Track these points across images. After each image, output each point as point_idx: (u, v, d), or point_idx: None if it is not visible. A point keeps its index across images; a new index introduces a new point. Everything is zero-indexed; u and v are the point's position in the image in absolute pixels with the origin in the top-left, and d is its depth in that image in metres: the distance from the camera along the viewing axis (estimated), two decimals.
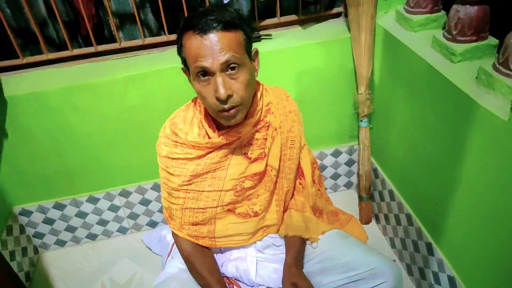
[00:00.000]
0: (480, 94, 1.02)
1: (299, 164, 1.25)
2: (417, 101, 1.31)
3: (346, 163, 1.89)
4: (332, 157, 1.85)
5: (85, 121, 1.56)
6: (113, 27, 1.57)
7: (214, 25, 0.93)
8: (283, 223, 1.26)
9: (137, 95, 1.54)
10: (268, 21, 1.65)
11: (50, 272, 1.77)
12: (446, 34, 1.19)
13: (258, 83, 1.15)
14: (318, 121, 1.73)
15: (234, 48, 0.95)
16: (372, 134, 1.68)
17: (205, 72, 0.96)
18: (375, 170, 1.73)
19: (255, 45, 1.52)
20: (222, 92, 0.94)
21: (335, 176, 1.93)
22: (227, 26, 0.94)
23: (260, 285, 1.24)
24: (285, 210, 1.28)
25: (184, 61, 1.02)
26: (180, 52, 1.02)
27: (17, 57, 1.55)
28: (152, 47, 1.61)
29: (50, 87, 1.47)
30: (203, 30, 0.93)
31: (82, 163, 1.66)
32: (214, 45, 0.93)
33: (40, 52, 1.58)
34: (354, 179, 1.95)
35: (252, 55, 1.04)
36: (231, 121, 1.02)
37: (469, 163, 1.10)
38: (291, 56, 1.56)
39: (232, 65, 0.95)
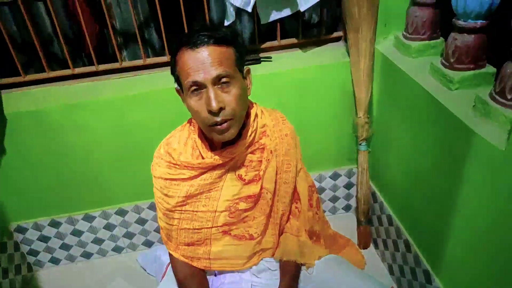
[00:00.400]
0: (477, 122, 1.02)
1: (295, 188, 1.23)
2: (416, 126, 1.31)
3: (344, 186, 1.88)
4: (330, 180, 1.85)
5: (84, 139, 1.57)
6: (115, 47, 1.59)
7: (205, 39, 0.95)
8: (278, 247, 1.25)
9: (136, 115, 1.55)
10: (269, 44, 1.66)
11: None
12: (444, 61, 1.20)
13: (253, 104, 1.16)
14: (317, 143, 1.73)
15: (225, 63, 0.96)
16: (371, 157, 1.67)
17: (198, 87, 0.97)
18: (373, 194, 1.71)
19: (255, 68, 1.56)
20: (214, 105, 0.95)
21: (334, 199, 1.92)
22: (218, 41, 0.96)
23: None
24: (280, 234, 1.27)
25: (177, 80, 1.03)
26: (173, 71, 1.03)
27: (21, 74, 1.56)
28: (153, 67, 1.63)
29: (51, 105, 1.49)
30: (195, 45, 0.95)
31: (80, 180, 1.66)
32: (205, 59, 0.95)
33: (42, 71, 1.60)
34: (353, 202, 1.94)
35: (244, 73, 1.05)
36: (224, 135, 1.02)
37: (466, 190, 1.08)
38: (291, 78, 1.57)
39: (223, 79, 0.96)
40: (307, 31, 1.74)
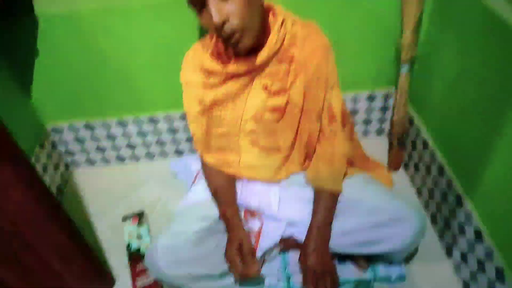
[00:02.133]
0: None
1: (329, 107, 1.17)
2: (469, 48, 1.21)
3: (380, 109, 1.82)
4: (366, 102, 1.78)
5: (116, 45, 1.53)
6: None
7: None
8: (310, 170, 1.24)
9: (169, 23, 1.48)
10: None
11: (80, 189, 1.86)
12: None
13: (280, 11, 1.08)
14: (354, 60, 1.63)
15: None
16: (412, 80, 1.59)
17: (200, 4, 0.93)
18: (410, 118, 1.66)
19: None
20: (216, 20, 0.90)
21: (367, 122, 1.87)
22: None
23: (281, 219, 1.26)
24: (310, 154, 1.25)
25: None
26: None
27: None
28: None
29: (82, 8, 1.43)
30: None
31: (112, 86, 1.65)
32: None
33: None
34: (386, 126, 1.89)
35: None
36: (238, 47, 0.98)
37: None
38: None
39: None
40: None
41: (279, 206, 1.25)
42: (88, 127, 1.78)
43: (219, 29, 0.93)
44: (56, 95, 1.67)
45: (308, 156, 1.26)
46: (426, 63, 1.51)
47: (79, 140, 1.83)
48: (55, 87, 1.64)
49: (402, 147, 1.73)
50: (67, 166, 1.91)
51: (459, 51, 1.27)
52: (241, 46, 0.98)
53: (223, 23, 0.91)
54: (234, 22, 0.92)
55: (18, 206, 1.04)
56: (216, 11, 0.90)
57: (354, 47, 1.60)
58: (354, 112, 1.81)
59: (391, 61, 1.64)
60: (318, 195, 1.21)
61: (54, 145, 1.82)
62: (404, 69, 1.57)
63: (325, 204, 1.19)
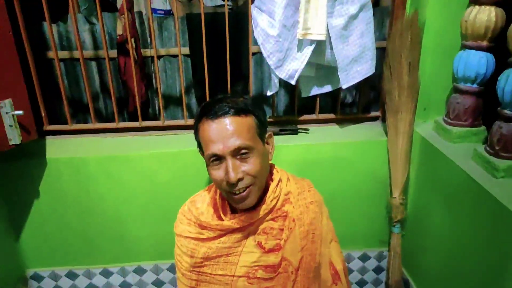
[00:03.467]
0: None
1: (331, 263, 1.15)
2: (457, 212, 1.26)
3: (374, 270, 1.78)
4: (359, 261, 1.76)
5: (116, 192, 1.58)
6: (160, 106, 1.66)
7: (226, 109, 0.97)
8: None
9: (170, 172, 1.56)
10: (306, 117, 1.70)
11: None
12: (488, 148, 1.18)
13: (277, 170, 1.15)
14: (347, 220, 1.67)
15: (245, 134, 0.97)
16: (404, 241, 1.60)
17: (217, 157, 0.98)
18: (406, 282, 1.61)
19: (292, 138, 1.59)
20: (232, 176, 0.95)
21: (361, 283, 1.81)
22: (238, 111, 0.98)
23: None
24: None
25: (199, 145, 1.05)
26: (196, 136, 1.06)
27: (65, 123, 1.63)
28: (192, 128, 1.67)
29: (91, 155, 1.53)
30: (215, 115, 0.97)
31: (103, 233, 1.64)
32: (224, 130, 0.96)
33: (85, 122, 1.67)
34: None
35: (266, 138, 1.06)
36: (243, 204, 1.01)
37: None
38: (326, 151, 1.58)
39: (243, 150, 0.97)
40: (341, 110, 1.79)
41: None
42: (70, 275, 1.69)
43: (231, 186, 0.97)
44: (44, 239, 1.64)
45: None
46: (417, 225, 1.54)
47: None
48: (44, 231, 1.62)
49: None
50: None
51: (447, 214, 1.32)
52: (246, 203, 1.02)
53: (238, 180, 0.97)
54: (247, 181, 0.98)
55: None
56: (233, 169, 0.96)
57: (346, 206, 1.66)
58: (348, 271, 1.76)
59: (382, 221, 1.68)
60: None
61: None
62: (396, 230, 1.59)
63: None
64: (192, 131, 1.63)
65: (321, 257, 1.14)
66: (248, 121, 0.99)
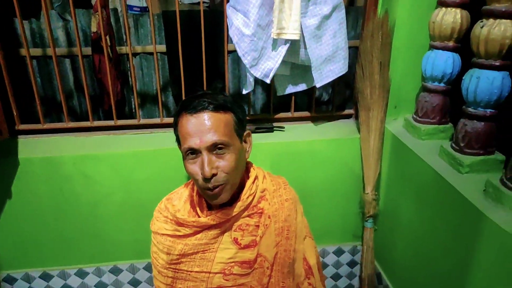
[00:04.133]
0: (488, 207, 1.02)
1: (304, 259, 1.18)
2: (425, 207, 1.31)
3: (348, 264, 1.82)
4: (334, 256, 1.80)
5: (91, 191, 1.57)
6: (136, 104, 1.65)
7: (205, 105, 0.99)
8: None
9: (146, 171, 1.56)
10: (282, 115, 1.73)
11: None
12: (454, 145, 1.24)
13: (254, 168, 1.17)
14: (322, 216, 1.71)
15: (222, 130, 0.99)
16: (376, 235, 1.65)
17: (193, 151, 0.99)
18: (378, 275, 1.66)
19: (268, 136, 1.61)
20: (207, 171, 0.97)
21: (336, 277, 1.85)
22: (217, 107, 1.00)
23: None
24: None
25: (177, 140, 1.06)
26: (175, 131, 1.07)
27: (37, 122, 1.61)
28: (169, 126, 1.68)
29: (65, 154, 1.51)
30: (194, 110, 0.99)
31: (78, 233, 1.62)
32: (202, 125, 0.98)
33: (59, 121, 1.65)
34: (355, 282, 1.86)
35: (244, 136, 1.08)
36: (216, 200, 1.03)
37: (477, 276, 1.06)
38: (301, 149, 1.61)
39: (219, 146, 0.99)
40: (316, 108, 1.82)
41: None
42: (44, 276, 1.67)
43: (205, 180, 0.99)
44: (17, 241, 1.61)
45: None
46: (388, 220, 1.59)
47: None
48: (16, 232, 1.59)
49: None
50: None
51: (416, 209, 1.37)
52: (219, 199, 1.03)
53: (212, 176, 0.99)
54: (220, 177, 1.00)
55: None
56: (208, 164, 0.97)
57: (321, 201, 1.69)
58: (322, 266, 1.81)
59: (356, 217, 1.72)
60: None
61: None
62: (368, 225, 1.64)
63: None
64: (168, 130, 1.67)
65: (295, 253, 1.16)
66: (227, 117, 1.01)
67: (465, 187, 1.12)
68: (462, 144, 1.20)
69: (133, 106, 1.96)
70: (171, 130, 1.64)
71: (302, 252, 1.17)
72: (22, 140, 1.57)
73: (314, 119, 1.74)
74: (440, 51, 1.35)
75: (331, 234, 1.76)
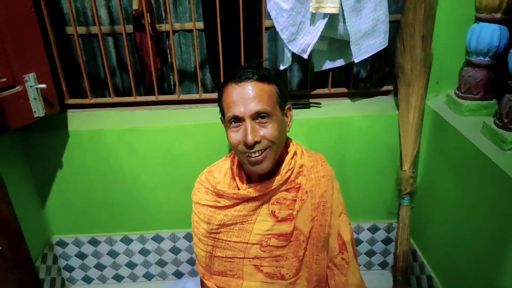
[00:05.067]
0: None
1: (339, 234, 1.19)
2: (465, 184, 1.29)
3: (383, 241, 1.83)
4: (368, 232, 1.81)
5: (134, 163, 1.65)
6: (175, 81, 1.70)
7: (249, 75, 1.02)
8: None
9: (186, 145, 1.62)
10: (319, 91, 1.72)
11: None
12: (497, 121, 1.20)
13: (293, 143, 1.19)
14: (357, 192, 1.72)
15: (266, 99, 1.01)
16: (413, 213, 1.64)
17: (237, 119, 1.02)
18: (413, 252, 1.65)
19: (305, 111, 1.61)
20: (250, 138, 1.00)
21: (370, 253, 1.86)
22: (261, 78, 1.03)
23: None
24: (317, 281, 1.23)
25: (221, 111, 1.09)
26: (219, 103, 1.10)
27: (83, 97, 1.69)
28: (207, 102, 1.72)
29: (110, 127, 1.59)
30: (240, 79, 1.02)
31: (124, 202, 1.72)
32: (246, 93, 1.01)
33: (102, 97, 1.72)
34: (390, 259, 1.87)
35: (285, 110, 1.10)
36: (258, 167, 1.05)
37: None
38: (338, 125, 1.61)
39: (262, 114, 1.01)
40: (354, 84, 1.80)
41: None
42: (92, 242, 1.79)
43: (248, 148, 1.02)
44: (67, 208, 1.73)
45: (318, 286, 1.23)
46: (426, 198, 1.58)
47: (81, 256, 1.82)
48: (67, 200, 1.71)
49: (407, 284, 1.69)
50: (63, 282, 1.86)
51: (455, 187, 1.34)
52: (260, 167, 1.06)
53: (255, 143, 1.02)
54: (264, 145, 1.03)
55: None
56: (251, 131, 1.00)
57: (357, 178, 1.69)
58: (357, 241, 1.82)
59: (392, 194, 1.71)
60: None
61: (55, 259, 1.80)
62: (405, 202, 1.63)
63: None
64: (206, 105, 1.71)
65: (330, 228, 1.18)
66: (270, 88, 1.04)
67: (507, 165, 1.09)
68: (506, 120, 1.16)
69: (172, 82, 2.02)
70: (209, 105, 1.71)
71: (337, 228, 1.19)
72: (70, 114, 1.67)
73: (352, 96, 1.73)
74: (487, 23, 1.30)
75: (367, 211, 1.76)
